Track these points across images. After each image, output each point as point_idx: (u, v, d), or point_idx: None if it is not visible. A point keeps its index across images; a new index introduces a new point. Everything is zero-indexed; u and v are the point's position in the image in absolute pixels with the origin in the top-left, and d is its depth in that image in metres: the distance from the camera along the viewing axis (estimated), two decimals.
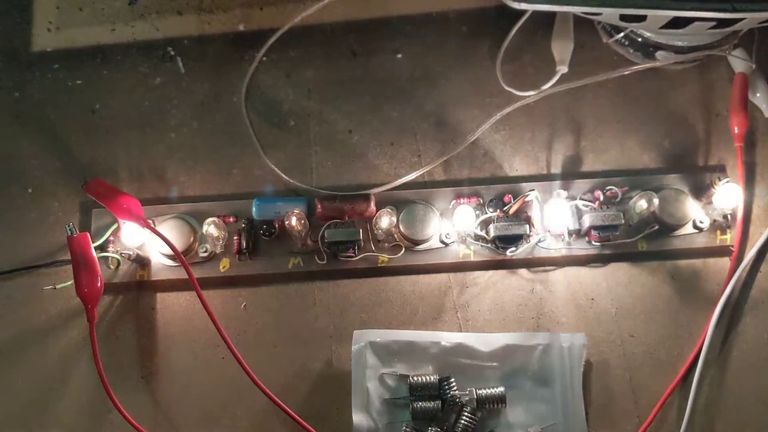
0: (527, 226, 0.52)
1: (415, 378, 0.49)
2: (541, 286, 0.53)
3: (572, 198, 0.53)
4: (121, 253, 0.52)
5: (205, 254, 0.53)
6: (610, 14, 0.52)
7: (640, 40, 0.57)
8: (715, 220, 0.53)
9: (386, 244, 0.53)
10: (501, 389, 0.49)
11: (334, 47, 0.60)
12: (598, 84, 0.56)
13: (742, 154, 0.54)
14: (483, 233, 0.53)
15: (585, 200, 0.53)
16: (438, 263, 0.53)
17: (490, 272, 0.53)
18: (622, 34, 0.57)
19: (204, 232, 0.52)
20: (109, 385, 0.48)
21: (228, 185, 0.56)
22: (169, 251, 0.51)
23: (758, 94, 0.56)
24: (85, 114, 0.58)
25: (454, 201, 0.54)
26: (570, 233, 0.52)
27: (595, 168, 0.56)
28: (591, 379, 0.50)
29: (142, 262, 0.53)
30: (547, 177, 0.55)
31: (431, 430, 0.48)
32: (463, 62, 0.59)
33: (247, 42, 0.60)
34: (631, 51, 0.57)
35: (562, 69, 0.56)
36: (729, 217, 0.53)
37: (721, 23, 0.50)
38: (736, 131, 0.54)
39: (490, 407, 0.49)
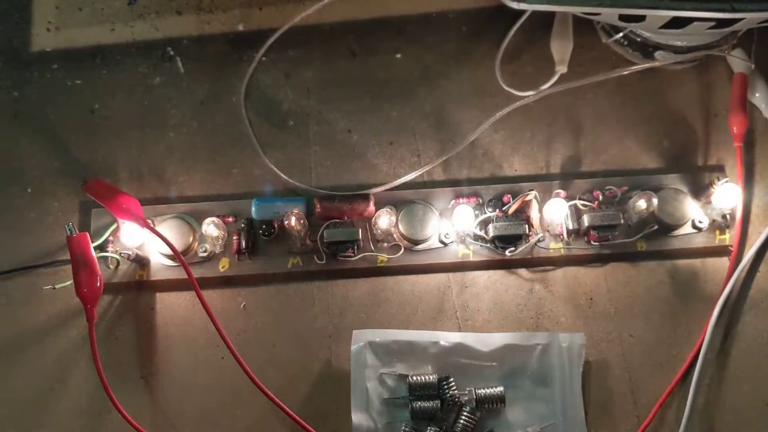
0: (526, 225, 0.52)
1: (415, 378, 0.49)
2: (540, 285, 0.53)
3: (571, 198, 0.53)
4: (120, 253, 0.52)
5: (205, 254, 0.53)
6: (609, 14, 0.52)
7: (639, 40, 0.57)
8: (714, 220, 0.53)
9: (385, 244, 0.53)
10: (500, 389, 0.49)
11: (334, 47, 0.60)
12: (598, 84, 0.56)
13: (741, 153, 0.54)
14: (482, 233, 0.53)
15: (584, 200, 0.53)
16: (437, 263, 0.53)
17: (490, 272, 0.53)
18: (621, 34, 0.57)
19: (203, 231, 0.52)
20: (109, 385, 0.48)
21: (227, 185, 0.56)
22: (169, 251, 0.51)
23: (757, 94, 0.56)
24: (84, 114, 0.58)
25: (453, 201, 0.54)
26: (569, 233, 0.52)
27: (594, 168, 0.56)
28: (590, 379, 0.50)
29: (141, 262, 0.53)
30: (547, 177, 0.55)
31: (430, 429, 0.48)
32: (462, 62, 0.59)
33: (246, 42, 0.60)
34: (630, 51, 0.57)
35: (562, 69, 0.56)
36: (728, 216, 0.53)
37: (720, 23, 0.50)
38: (735, 131, 0.54)
39: (489, 407, 0.49)
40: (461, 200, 0.54)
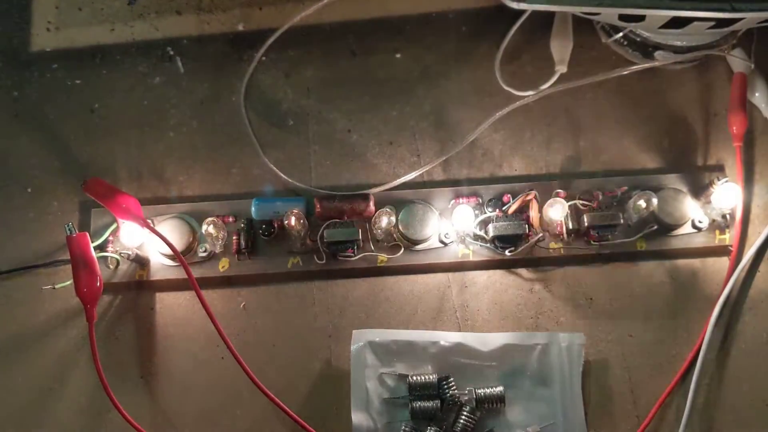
0: (526, 225, 0.52)
1: (414, 377, 0.49)
2: (540, 285, 0.53)
3: (571, 198, 0.53)
4: (120, 253, 0.52)
5: (205, 254, 0.53)
6: (608, 14, 0.52)
7: (638, 40, 0.56)
8: (713, 220, 0.53)
9: (385, 244, 0.53)
10: (500, 389, 0.49)
11: (334, 47, 0.60)
12: (597, 84, 0.56)
13: (740, 153, 0.54)
14: (482, 233, 0.53)
15: (584, 200, 0.53)
16: (437, 263, 0.53)
17: (489, 272, 0.53)
18: (620, 34, 0.57)
19: (203, 231, 0.52)
20: (109, 385, 0.48)
21: (227, 185, 0.56)
22: (169, 251, 0.50)
23: (757, 94, 0.56)
24: (84, 113, 0.58)
25: (453, 201, 0.54)
26: (569, 233, 0.52)
27: (594, 168, 0.56)
28: (590, 379, 0.50)
29: (141, 262, 0.53)
30: (546, 177, 0.55)
31: (430, 429, 0.48)
32: (462, 62, 0.59)
33: (246, 42, 0.60)
34: (630, 51, 0.57)
35: (561, 69, 0.56)
36: (728, 216, 0.53)
37: (720, 23, 0.50)
38: (735, 131, 0.54)
39: (489, 407, 0.49)
40: (461, 200, 0.54)
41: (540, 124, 0.57)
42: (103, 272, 0.52)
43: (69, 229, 0.49)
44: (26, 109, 0.58)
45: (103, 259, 0.53)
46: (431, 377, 0.49)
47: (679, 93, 0.58)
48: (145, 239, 0.53)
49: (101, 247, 0.53)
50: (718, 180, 0.52)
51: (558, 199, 0.52)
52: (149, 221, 0.52)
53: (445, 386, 0.49)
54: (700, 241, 0.53)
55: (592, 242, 0.52)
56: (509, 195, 0.54)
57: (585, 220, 0.52)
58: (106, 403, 0.49)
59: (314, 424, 0.49)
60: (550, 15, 0.58)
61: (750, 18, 0.49)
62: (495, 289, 0.53)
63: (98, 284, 0.50)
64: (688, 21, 0.50)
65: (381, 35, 0.60)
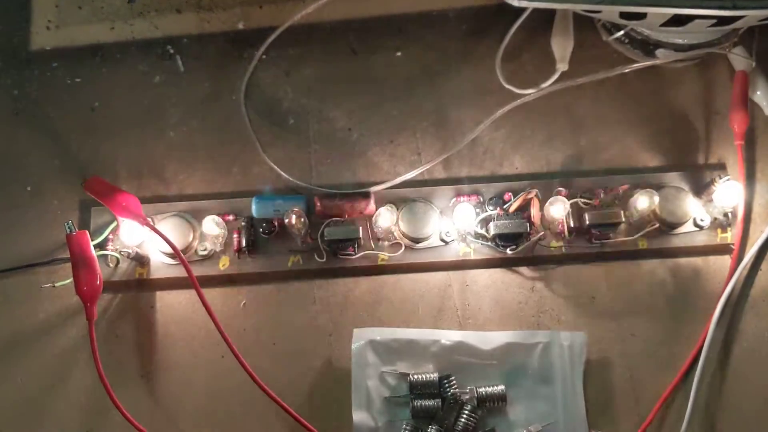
0: (527, 224, 0.52)
1: (416, 376, 0.49)
2: (541, 284, 0.53)
3: (572, 196, 0.53)
4: (120, 252, 0.52)
5: (205, 252, 0.53)
6: (610, 12, 0.51)
7: (639, 38, 0.56)
8: (715, 218, 0.53)
9: (386, 243, 0.53)
10: (501, 387, 0.49)
11: (334, 45, 0.59)
12: (598, 82, 0.56)
13: (742, 152, 0.53)
14: (483, 231, 0.53)
15: (585, 198, 0.53)
16: (438, 261, 0.53)
17: (490, 270, 0.53)
18: (622, 32, 0.57)
19: (203, 230, 0.52)
20: (109, 383, 0.48)
21: (227, 183, 0.56)
22: (169, 249, 0.50)
23: (758, 92, 0.56)
24: (84, 112, 0.58)
25: (454, 199, 0.54)
26: (570, 231, 0.52)
27: (595, 166, 0.55)
28: (591, 378, 0.50)
29: (141, 261, 0.53)
30: (547, 175, 0.55)
31: (431, 428, 0.48)
32: (462, 60, 0.59)
33: (246, 40, 0.60)
34: (631, 49, 0.57)
35: (562, 67, 0.56)
36: (729, 215, 0.53)
37: (722, 21, 0.50)
38: (737, 129, 0.54)
39: (490, 405, 0.49)
40: (462, 198, 0.54)
41: (541, 122, 0.57)
42: (103, 271, 0.52)
43: (69, 228, 0.49)
44: (26, 108, 0.58)
45: (103, 258, 0.53)
46: (432, 376, 0.49)
47: (680, 91, 0.57)
48: (145, 238, 0.53)
49: (101, 246, 0.53)
50: (720, 178, 0.52)
51: (559, 197, 0.52)
52: (149, 219, 0.52)
53: (446, 385, 0.49)
54: (701, 239, 0.53)
55: (593, 241, 0.52)
56: (510, 193, 0.53)
57: (586, 218, 0.52)
58: (106, 402, 0.49)
59: (315, 423, 0.49)
60: (551, 13, 0.58)
61: (751, 16, 0.49)
62: (496, 288, 0.53)
63: (98, 283, 0.50)
64: (689, 19, 0.50)
65: (381, 34, 0.60)
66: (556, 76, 0.56)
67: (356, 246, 0.52)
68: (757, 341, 0.51)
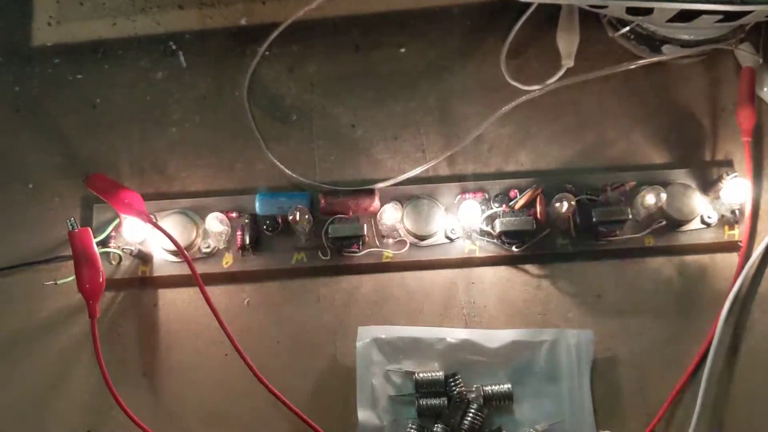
0: (533, 221, 0.51)
1: (421, 375, 0.49)
2: (547, 281, 0.52)
3: (578, 193, 0.52)
4: (122, 249, 0.52)
5: (208, 250, 0.52)
6: (616, 7, 0.51)
7: (645, 33, 0.56)
8: (723, 216, 0.52)
9: (391, 240, 0.53)
10: (508, 386, 0.49)
11: (338, 41, 0.59)
12: (604, 78, 0.56)
13: (749, 148, 0.53)
14: (489, 228, 0.52)
15: (591, 195, 0.52)
16: (443, 259, 0.53)
17: (496, 268, 0.53)
18: (627, 28, 0.56)
19: (206, 227, 0.51)
20: (111, 381, 0.48)
21: (230, 180, 0.55)
22: (172, 247, 0.50)
23: (765, 89, 0.56)
24: (86, 108, 0.58)
25: (459, 196, 0.53)
26: (576, 228, 0.52)
27: (601, 163, 0.55)
28: (599, 376, 0.50)
29: (144, 258, 0.52)
30: (553, 172, 0.55)
31: (437, 427, 0.48)
32: (467, 56, 0.58)
33: (249, 36, 0.59)
34: (637, 45, 0.57)
35: (568, 63, 0.56)
36: (737, 212, 0.52)
37: (728, 16, 0.50)
38: (744, 126, 0.53)
39: (496, 404, 0.49)
40: (467, 195, 0.53)
41: (546, 118, 0.56)
42: (106, 268, 0.52)
43: (71, 225, 0.49)
44: (27, 104, 0.58)
45: (106, 255, 0.52)
46: (438, 374, 0.49)
47: (686, 87, 0.57)
48: (147, 235, 0.52)
49: (103, 243, 0.52)
50: (727, 175, 0.52)
51: (565, 194, 0.51)
52: (152, 217, 0.52)
53: (452, 383, 0.49)
54: (709, 236, 0.52)
55: (599, 238, 0.52)
56: (516, 190, 0.53)
57: (592, 215, 0.51)
58: (108, 400, 0.48)
59: (320, 421, 0.49)
60: (556, 9, 0.58)
61: (759, 11, 0.49)
62: (502, 286, 0.52)
63: (101, 280, 0.49)
64: (695, 14, 0.50)
65: (385, 30, 0.59)
66: (561, 73, 0.55)
67: (361, 243, 0.52)
68: (765, 339, 0.50)
